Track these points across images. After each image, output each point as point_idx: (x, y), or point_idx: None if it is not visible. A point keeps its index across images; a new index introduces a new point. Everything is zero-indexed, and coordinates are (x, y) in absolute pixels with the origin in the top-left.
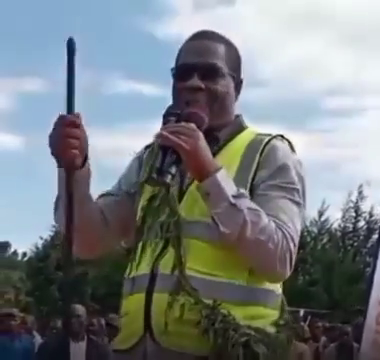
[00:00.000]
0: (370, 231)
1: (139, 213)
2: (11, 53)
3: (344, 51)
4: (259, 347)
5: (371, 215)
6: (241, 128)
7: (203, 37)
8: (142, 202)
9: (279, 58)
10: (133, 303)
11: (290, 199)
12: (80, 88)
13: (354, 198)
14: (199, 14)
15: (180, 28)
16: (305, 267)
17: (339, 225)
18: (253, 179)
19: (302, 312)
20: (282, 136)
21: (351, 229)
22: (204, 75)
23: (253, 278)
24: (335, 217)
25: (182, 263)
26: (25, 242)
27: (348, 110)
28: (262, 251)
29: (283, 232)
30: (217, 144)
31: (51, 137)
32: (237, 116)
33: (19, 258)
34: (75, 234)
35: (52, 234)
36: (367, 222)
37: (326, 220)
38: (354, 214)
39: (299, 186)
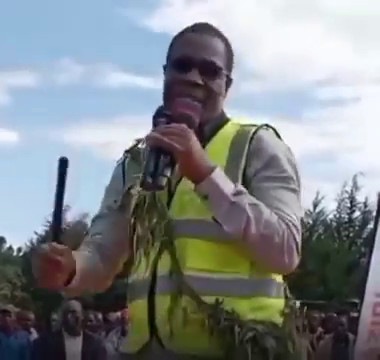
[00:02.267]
0: (365, 221)
1: (131, 221)
2: (1, 46)
3: (339, 40)
4: (267, 341)
5: (366, 205)
6: (224, 121)
7: (204, 31)
8: (131, 209)
9: (274, 48)
10: (137, 308)
11: (286, 188)
12: (74, 82)
13: (349, 188)
14: (192, 5)
15: (174, 20)
16: (300, 258)
17: (334, 216)
18: (244, 172)
19: (298, 303)
20: (267, 125)
21: (346, 220)
22: (204, 71)
23: (255, 270)
24: (330, 208)
25: (179, 266)
26: (20, 237)
27: (343, 100)
28: (269, 245)
29: (287, 223)
30: (203, 138)
31: (33, 267)
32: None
33: (14, 253)
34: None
35: (47, 229)
36: (362, 212)
37: (321, 211)
38: (349, 204)
39: (292, 173)
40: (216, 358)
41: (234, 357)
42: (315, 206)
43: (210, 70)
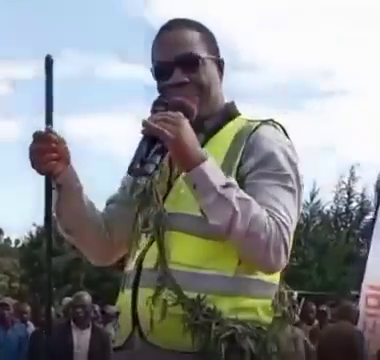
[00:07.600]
0: (363, 212)
1: (135, 209)
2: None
3: (339, 31)
4: (245, 342)
5: (363, 196)
6: (232, 116)
7: (173, 28)
8: (135, 198)
9: (274, 40)
10: (123, 299)
11: (282, 186)
12: (75, 73)
13: (346, 179)
14: None
15: (174, 9)
16: (298, 249)
17: (331, 207)
18: (238, 168)
19: (296, 294)
20: (272, 120)
21: (343, 211)
22: (185, 68)
23: (242, 268)
24: (327, 199)
25: (165, 259)
26: (18, 229)
27: (342, 91)
28: (254, 242)
29: (276, 221)
30: (205, 133)
31: (30, 152)
32: (230, 103)
33: (12, 245)
34: (76, 236)
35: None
36: (360, 203)
37: (318, 202)
38: (347, 196)
39: (290, 172)
40: (193, 354)
41: (208, 354)
42: (312, 197)
43: (190, 63)
